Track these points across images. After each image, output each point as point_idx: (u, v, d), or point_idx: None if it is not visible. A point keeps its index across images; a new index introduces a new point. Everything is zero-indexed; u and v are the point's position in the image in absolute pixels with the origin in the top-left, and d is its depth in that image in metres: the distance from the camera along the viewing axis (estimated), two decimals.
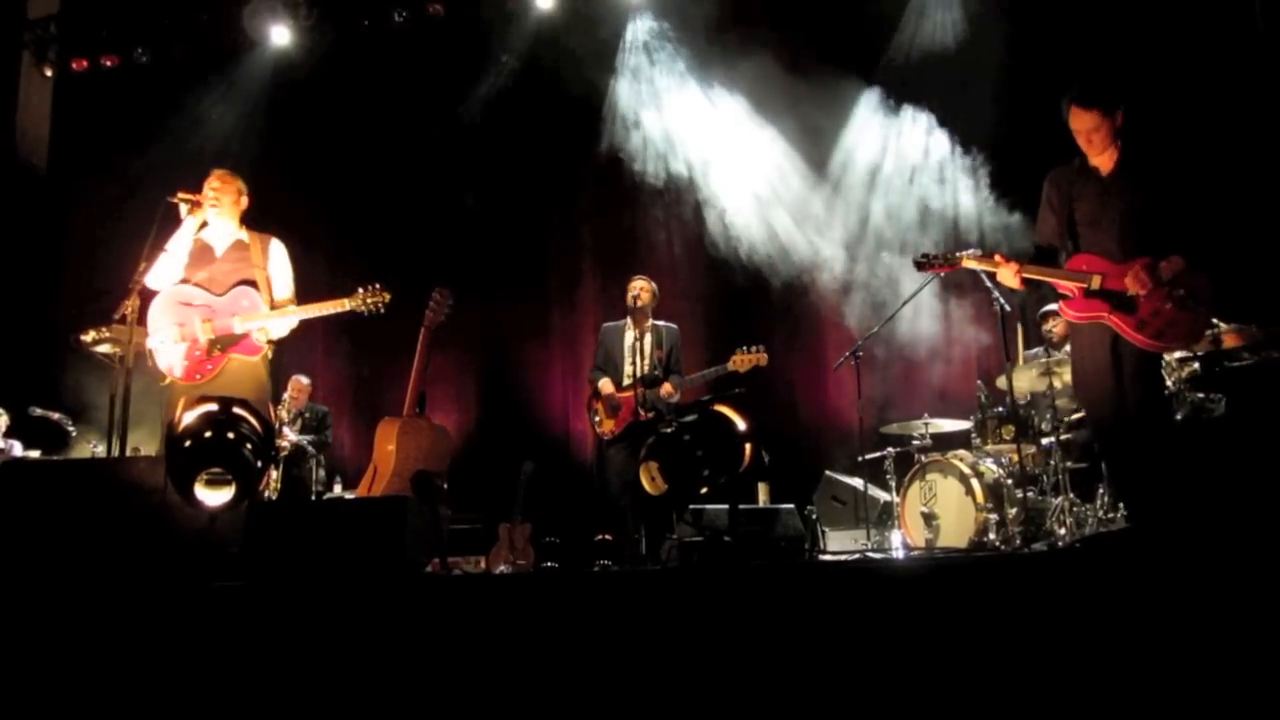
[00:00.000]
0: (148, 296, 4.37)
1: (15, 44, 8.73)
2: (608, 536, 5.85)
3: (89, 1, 8.89)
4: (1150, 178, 3.86)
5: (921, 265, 4.42)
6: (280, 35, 8.50)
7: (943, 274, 4.66)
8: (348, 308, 4.38)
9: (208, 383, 4.29)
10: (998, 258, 4.10)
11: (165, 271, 4.42)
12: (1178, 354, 4.85)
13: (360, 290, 4.38)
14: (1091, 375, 3.94)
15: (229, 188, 4.55)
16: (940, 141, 7.47)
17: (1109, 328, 3.85)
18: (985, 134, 7.23)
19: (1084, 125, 3.89)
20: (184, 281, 4.43)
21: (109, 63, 8.73)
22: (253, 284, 4.42)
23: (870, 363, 6.46)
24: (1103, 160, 3.94)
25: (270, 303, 4.46)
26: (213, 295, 4.39)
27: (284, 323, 4.44)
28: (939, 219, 7.44)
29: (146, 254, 4.31)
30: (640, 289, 5.90)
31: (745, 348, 5.73)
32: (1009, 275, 4.03)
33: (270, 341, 4.45)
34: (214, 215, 4.53)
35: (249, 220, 4.66)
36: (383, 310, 4.39)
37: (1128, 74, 6.27)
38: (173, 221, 4.52)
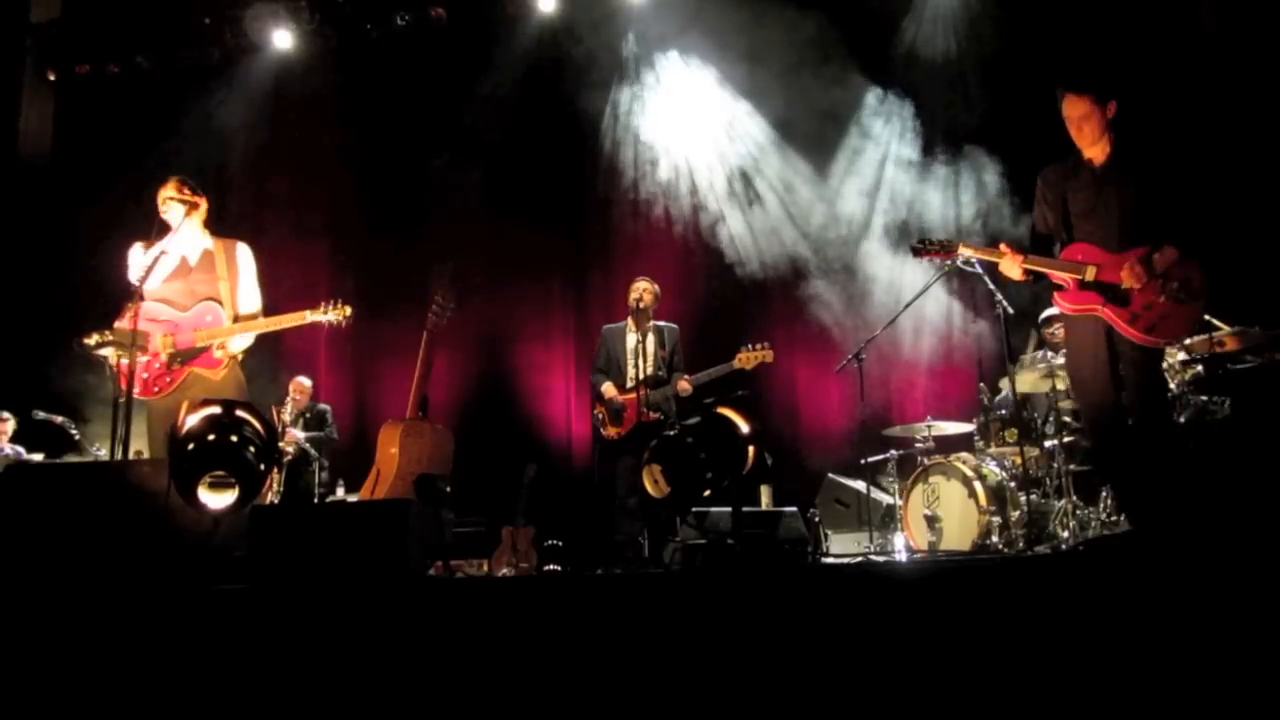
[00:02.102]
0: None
1: (18, 49, 8.74)
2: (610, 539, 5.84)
3: (91, 6, 8.91)
4: (1143, 168, 3.86)
5: (919, 251, 4.40)
6: (282, 39, 8.51)
7: (939, 260, 4.56)
8: (308, 320, 4.46)
9: (171, 394, 4.35)
10: (1002, 247, 4.06)
11: (161, 273, 4.44)
12: (1180, 356, 4.85)
13: (323, 303, 4.47)
14: (1088, 368, 3.94)
15: (186, 196, 4.54)
16: (945, 143, 7.47)
17: (1105, 323, 3.85)
18: (990, 135, 7.22)
19: (1075, 112, 3.89)
20: (156, 295, 4.45)
21: (112, 67, 8.74)
22: (218, 300, 4.47)
23: (873, 365, 6.45)
24: (1095, 152, 3.94)
25: (234, 312, 4.50)
26: (178, 311, 4.46)
27: (244, 337, 4.51)
28: (942, 221, 7.43)
29: (150, 258, 4.34)
30: (643, 290, 5.91)
31: (750, 345, 5.73)
32: (1012, 266, 4.00)
33: (233, 355, 4.48)
34: (184, 224, 4.53)
35: (219, 226, 4.70)
36: (344, 324, 4.49)
37: (1125, 71, 6.27)
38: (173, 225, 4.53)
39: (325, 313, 4.44)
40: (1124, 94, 3.91)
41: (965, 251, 4.26)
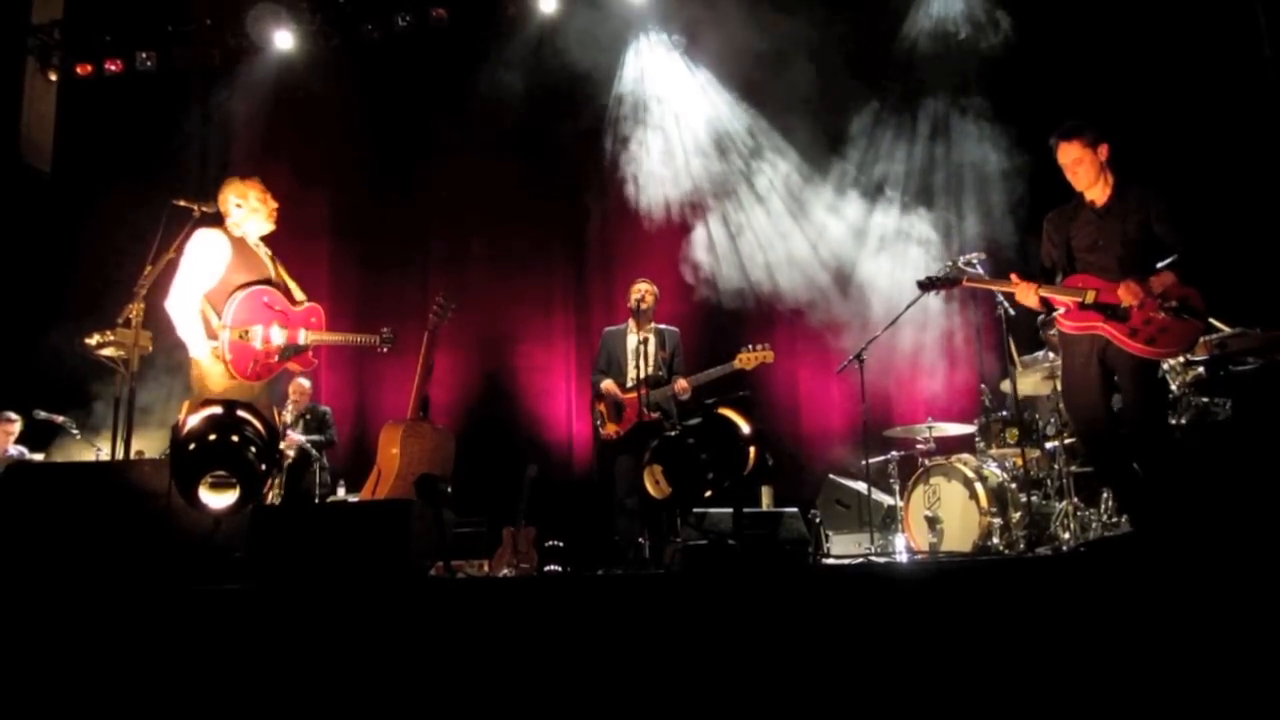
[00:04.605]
0: (152, 301, 4.38)
1: (20, 49, 8.75)
2: (612, 540, 5.85)
3: (93, 6, 8.91)
4: (1142, 203, 3.99)
5: (925, 287, 4.58)
6: (284, 40, 8.52)
7: (946, 293, 4.79)
8: (378, 345, 4.77)
9: (263, 383, 4.33)
10: (1014, 278, 4.20)
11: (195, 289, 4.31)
12: (1182, 358, 4.85)
13: (384, 330, 4.76)
14: (1079, 385, 4.06)
15: (270, 200, 4.52)
16: (951, 144, 7.46)
17: (1098, 339, 3.96)
18: (992, 136, 7.22)
19: (1067, 158, 4.09)
20: (265, 282, 4.38)
21: (113, 67, 8.74)
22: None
23: (874, 366, 6.44)
24: (1096, 193, 4.10)
25: None
26: (289, 303, 4.43)
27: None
28: (944, 223, 7.43)
29: (151, 258, 4.33)
30: (644, 292, 5.91)
31: (751, 346, 5.73)
32: (1028, 293, 4.13)
33: None
34: (258, 226, 4.48)
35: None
36: (385, 349, 4.81)
37: (1132, 85, 6.30)
38: (176, 225, 4.52)
39: (383, 341, 4.74)
40: (1114, 136, 4.06)
41: (969, 284, 4.49)
